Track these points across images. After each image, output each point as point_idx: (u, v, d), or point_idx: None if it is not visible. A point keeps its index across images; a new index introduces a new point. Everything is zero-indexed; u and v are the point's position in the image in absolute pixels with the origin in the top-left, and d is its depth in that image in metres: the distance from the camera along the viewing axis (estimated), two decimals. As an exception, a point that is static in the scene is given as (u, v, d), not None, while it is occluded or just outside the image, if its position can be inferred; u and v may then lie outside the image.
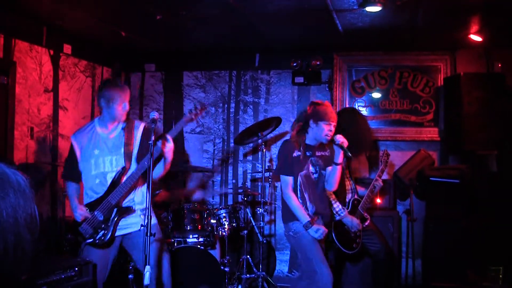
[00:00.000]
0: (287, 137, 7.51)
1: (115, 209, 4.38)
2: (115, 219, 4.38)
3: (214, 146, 7.85)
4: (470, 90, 6.36)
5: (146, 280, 3.64)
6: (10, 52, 5.83)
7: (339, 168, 5.02)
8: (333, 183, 5.10)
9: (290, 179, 4.89)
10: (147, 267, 3.67)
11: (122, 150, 4.50)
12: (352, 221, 5.56)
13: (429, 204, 6.68)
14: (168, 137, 4.36)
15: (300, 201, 4.88)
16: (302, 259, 4.97)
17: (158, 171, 4.52)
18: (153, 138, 4.00)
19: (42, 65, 6.31)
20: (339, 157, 4.98)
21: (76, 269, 4.16)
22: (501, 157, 6.58)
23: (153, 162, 4.27)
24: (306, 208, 4.88)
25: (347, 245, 5.61)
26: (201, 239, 5.94)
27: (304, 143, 4.95)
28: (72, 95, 6.91)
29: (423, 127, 7.13)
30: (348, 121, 5.66)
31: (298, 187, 4.91)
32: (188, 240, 5.91)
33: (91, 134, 4.57)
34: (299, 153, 4.90)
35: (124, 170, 4.45)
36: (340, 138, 4.88)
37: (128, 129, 4.59)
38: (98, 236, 4.36)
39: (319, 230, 4.77)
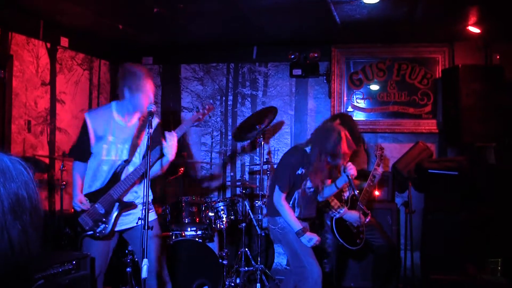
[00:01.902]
0: (285, 129, 7.51)
1: (117, 204, 4.32)
2: (116, 213, 4.34)
3: (212, 139, 7.84)
4: (468, 82, 6.33)
5: (144, 274, 3.64)
6: (7, 45, 5.81)
7: (336, 191, 5.12)
8: (325, 197, 5.20)
9: (284, 194, 4.85)
10: (145, 261, 3.66)
11: (131, 141, 4.39)
12: (353, 216, 5.57)
13: (428, 196, 6.68)
14: (169, 136, 4.26)
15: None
16: (290, 254, 4.97)
17: (155, 169, 4.41)
18: (150, 131, 3.97)
19: (39, 58, 6.29)
20: (342, 184, 5.03)
21: (74, 262, 4.16)
22: (499, 149, 6.57)
23: (154, 158, 4.26)
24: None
25: (351, 241, 5.62)
26: (199, 232, 5.94)
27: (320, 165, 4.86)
28: (69, 88, 6.88)
29: (421, 119, 7.12)
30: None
31: (291, 202, 4.92)
32: (186, 233, 5.90)
33: (108, 118, 4.41)
34: (303, 170, 4.84)
35: (126, 164, 4.37)
36: (351, 170, 4.81)
37: (143, 122, 4.43)
38: (99, 229, 4.32)
39: (312, 239, 4.74)
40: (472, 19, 5.98)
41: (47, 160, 6.42)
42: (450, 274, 6.00)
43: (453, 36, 6.78)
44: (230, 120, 7.79)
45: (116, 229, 4.43)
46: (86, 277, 4.25)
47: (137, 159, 4.42)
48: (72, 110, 6.91)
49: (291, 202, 4.90)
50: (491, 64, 6.78)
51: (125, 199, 4.40)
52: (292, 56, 7.22)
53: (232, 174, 7.75)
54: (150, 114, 4.08)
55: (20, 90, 5.99)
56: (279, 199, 4.82)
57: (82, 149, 4.45)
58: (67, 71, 6.83)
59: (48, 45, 6.45)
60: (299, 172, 4.83)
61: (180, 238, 5.82)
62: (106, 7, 5.86)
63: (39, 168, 6.32)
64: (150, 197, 4.55)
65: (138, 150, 4.42)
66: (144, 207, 4.27)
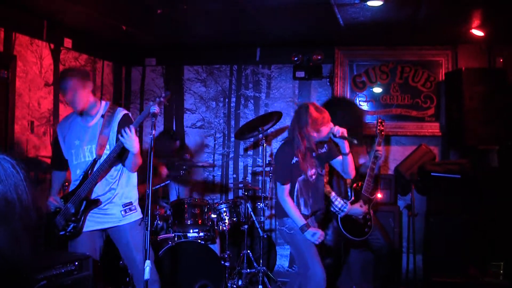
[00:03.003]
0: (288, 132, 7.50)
1: (84, 202, 4.34)
2: (84, 211, 4.35)
3: (214, 141, 7.84)
4: (471, 85, 6.33)
5: (146, 275, 3.64)
6: (11, 46, 5.81)
7: (349, 157, 4.97)
8: (350, 172, 5.03)
9: (287, 186, 4.82)
10: (147, 262, 3.66)
11: (97, 139, 4.36)
12: (357, 209, 5.57)
13: (430, 199, 6.67)
14: (127, 129, 4.12)
15: (295, 205, 4.86)
16: (296, 254, 4.96)
17: (127, 165, 4.39)
18: (153, 131, 3.95)
19: (42, 59, 6.29)
20: (346, 147, 4.92)
21: (76, 263, 4.15)
22: (502, 152, 6.57)
23: (124, 153, 4.26)
24: (301, 212, 4.86)
25: (358, 233, 5.62)
26: (201, 234, 5.93)
27: (306, 150, 4.85)
28: (72, 89, 6.88)
29: (424, 122, 7.11)
30: (345, 111, 5.58)
31: (295, 192, 4.87)
32: (189, 234, 5.90)
33: (72, 124, 4.49)
34: (297, 159, 4.81)
35: (95, 162, 4.33)
36: (338, 131, 4.82)
37: (108, 117, 4.39)
38: (69, 228, 4.36)
39: (315, 234, 4.70)
40: (476, 22, 5.98)
41: (49, 161, 6.42)
42: (452, 277, 6.01)
43: (457, 39, 6.78)
44: (233, 122, 7.79)
45: (94, 228, 4.44)
46: (88, 278, 4.25)
47: (106, 155, 4.34)
48: (75, 111, 6.91)
49: (295, 196, 4.87)
50: (494, 67, 6.78)
51: (102, 198, 4.41)
52: (295, 58, 7.22)
53: (234, 176, 7.75)
54: (153, 115, 4.04)
55: (24, 91, 6.00)
56: (282, 194, 4.80)
57: (56, 159, 4.64)
58: (70, 72, 6.82)
59: (52, 46, 6.46)
60: (294, 161, 4.81)
61: (183, 240, 5.82)
62: (109, 7, 5.87)
63: (42, 169, 6.32)
64: (134, 198, 4.56)
65: (107, 146, 4.35)
66: (125, 208, 4.39)
